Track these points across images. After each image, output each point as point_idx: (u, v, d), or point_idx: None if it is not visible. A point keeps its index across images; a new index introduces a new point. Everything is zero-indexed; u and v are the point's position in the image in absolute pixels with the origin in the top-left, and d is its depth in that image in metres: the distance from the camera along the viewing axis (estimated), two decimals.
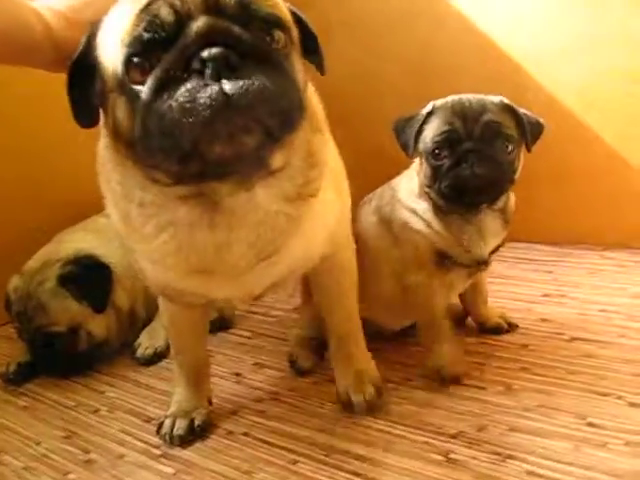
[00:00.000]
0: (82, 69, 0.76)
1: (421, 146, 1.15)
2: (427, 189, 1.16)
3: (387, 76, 2.06)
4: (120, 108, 0.73)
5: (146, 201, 0.82)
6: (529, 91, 1.76)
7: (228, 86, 0.65)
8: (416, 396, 1.16)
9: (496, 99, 1.13)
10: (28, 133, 1.82)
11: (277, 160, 0.79)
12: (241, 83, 0.65)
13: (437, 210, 1.17)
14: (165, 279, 0.95)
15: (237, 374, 1.36)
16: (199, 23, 0.67)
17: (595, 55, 1.68)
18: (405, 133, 1.16)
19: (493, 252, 1.22)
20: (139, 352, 1.49)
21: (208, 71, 0.65)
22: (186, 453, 1.09)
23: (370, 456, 1.01)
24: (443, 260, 1.18)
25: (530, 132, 1.13)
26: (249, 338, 1.55)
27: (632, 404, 1.04)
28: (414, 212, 1.19)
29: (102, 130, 0.85)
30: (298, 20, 0.80)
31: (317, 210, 0.91)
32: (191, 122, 0.65)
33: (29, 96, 1.76)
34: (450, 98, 1.14)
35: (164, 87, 0.66)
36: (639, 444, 0.94)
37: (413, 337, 1.32)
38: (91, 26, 0.77)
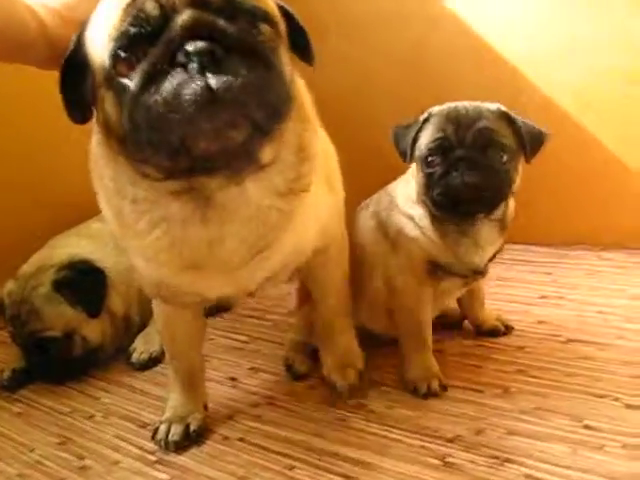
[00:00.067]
0: (74, 66, 0.77)
1: (417, 153, 1.13)
2: (423, 197, 1.15)
3: (381, 77, 2.06)
4: (109, 102, 0.74)
5: (138, 197, 0.82)
6: (524, 93, 1.76)
7: (213, 80, 0.65)
8: (412, 400, 1.15)
9: (493, 107, 1.10)
10: (23, 136, 1.82)
11: (267, 154, 0.79)
12: (225, 78, 0.65)
13: (433, 218, 1.15)
14: (159, 276, 0.96)
15: (233, 379, 1.36)
16: (184, 17, 0.67)
17: (591, 56, 1.68)
18: (403, 140, 1.15)
19: (490, 259, 1.20)
20: (134, 357, 1.48)
21: (193, 65, 0.65)
22: (181, 459, 1.08)
23: (366, 460, 1.00)
24: (436, 269, 1.16)
25: (530, 142, 1.09)
26: (245, 342, 1.54)
27: (629, 406, 1.04)
28: (411, 218, 1.18)
29: (94, 127, 0.85)
30: (286, 14, 0.80)
31: (309, 204, 0.91)
32: (177, 117, 0.66)
33: (25, 99, 1.76)
34: (447, 105, 1.12)
35: (151, 80, 0.67)
36: (636, 446, 0.93)
37: None
38: (82, 24, 0.78)
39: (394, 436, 1.06)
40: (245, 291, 1.04)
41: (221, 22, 0.68)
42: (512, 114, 1.10)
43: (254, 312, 1.71)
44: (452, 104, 1.11)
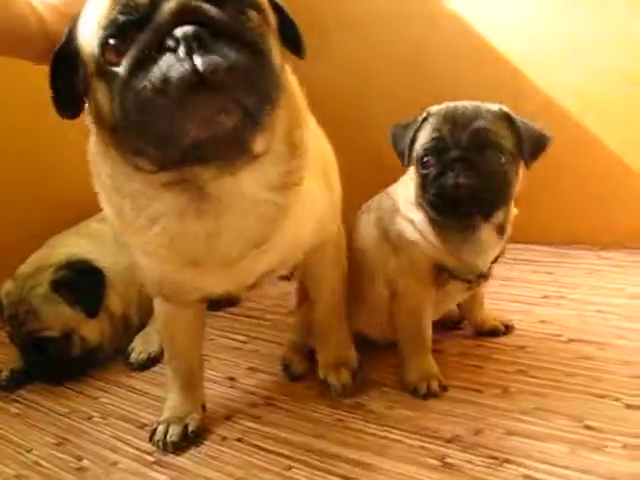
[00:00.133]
0: (65, 59, 0.78)
1: (414, 154, 1.11)
2: (420, 199, 1.12)
3: (381, 78, 2.06)
4: (101, 93, 0.74)
5: (135, 192, 0.83)
6: (525, 93, 1.75)
7: (199, 61, 0.66)
8: (411, 400, 1.15)
9: (494, 107, 1.07)
10: (22, 134, 1.82)
11: (259, 144, 0.79)
12: (212, 59, 0.66)
13: (433, 222, 1.12)
14: (161, 272, 0.98)
15: (231, 378, 1.35)
16: (171, 3, 0.68)
17: (593, 57, 1.67)
18: (401, 141, 1.13)
19: (493, 262, 1.18)
20: (133, 357, 1.48)
21: (181, 48, 0.66)
22: (180, 460, 1.08)
23: (365, 461, 1.00)
24: (440, 273, 1.14)
25: (530, 145, 1.05)
26: (243, 342, 1.54)
27: (629, 406, 1.03)
28: (411, 222, 1.15)
29: (91, 127, 0.85)
30: (276, 7, 0.81)
31: (305, 199, 0.91)
32: (165, 102, 0.66)
33: (27, 97, 1.75)
34: (446, 104, 1.09)
35: (140, 66, 0.68)
36: (637, 447, 0.92)
37: None
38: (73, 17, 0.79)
39: (393, 437, 1.05)
40: (243, 285, 1.04)
41: (208, 7, 0.69)
42: (513, 115, 1.07)
43: (253, 312, 1.71)
44: (451, 104, 1.09)
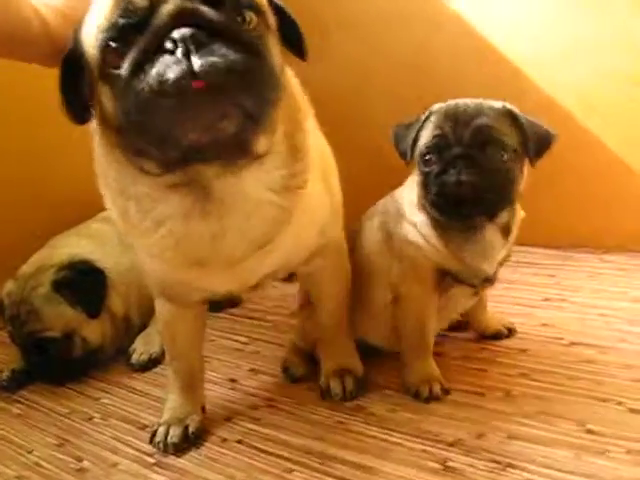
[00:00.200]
0: (73, 65, 0.78)
1: (416, 152, 1.10)
2: (422, 200, 1.11)
3: (382, 79, 2.05)
4: (106, 96, 0.75)
5: (141, 195, 0.84)
6: (527, 94, 1.75)
7: (196, 61, 0.67)
8: (413, 403, 1.14)
9: (498, 104, 1.06)
10: (26, 134, 1.82)
11: (261, 144, 0.80)
12: (208, 58, 0.67)
13: (436, 224, 1.11)
14: (164, 273, 0.99)
15: (232, 380, 1.35)
16: (170, 6, 0.70)
17: (596, 58, 1.67)
18: (404, 141, 1.12)
19: (500, 265, 1.16)
20: (134, 358, 1.47)
21: (179, 50, 0.67)
22: (180, 461, 1.08)
23: (366, 464, 0.99)
24: (444, 277, 1.13)
25: (535, 143, 1.04)
26: (245, 343, 1.53)
27: (632, 410, 1.03)
28: (414, 225, 1.13)
29: (95, 130, 0.86)
30: (277, 8, 0.82)
31: (307, 202, 0.92)
32: (164, 102, 0.67)
33: (27, 97, 1.76)
34: (449, 102, 1.08)
35: (139, 68, 0.69)
36: None
37: None
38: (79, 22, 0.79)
39: (395, 440, 1.05)
40: (246, 285, 1.05)
41: (206, 10, 0.70)
42: (517, 112, 1.05)
43: (254, 313, 1.70)
44: (453, 101, 1.08)
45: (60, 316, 1.40)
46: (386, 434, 1.06)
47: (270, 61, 0.75)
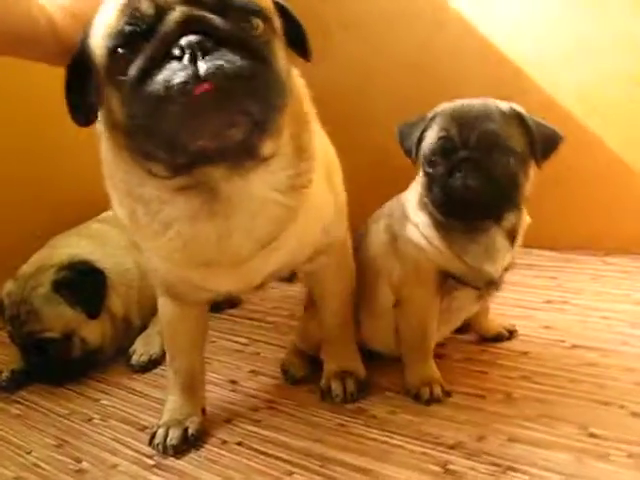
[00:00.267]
0: (80, 68, 0.79)
1: (420, 152, 1.09)
2: (425, 200, 1.10)
3: (385, 78, 2.05)
4: (113, 99, 0.76)
5: (148, 197, 0.84)
6: (529, 94, 1.74)
7: (202, 66, 0.67)
8: (414, 405, 1.14)
9: (505, 106, 1.04)
10: (27, 134, 1.82)
11: (268, 148, 0.81)
12: (214, 63, 0.68)
13: (438, 225, 1.09)
14: (171, 273, 1.01)
15: (233, 381, 1.34)
16: (177, 13, 0.70)
17: (598, 59, 1.67)
18: (409, 139, 1.11)
19: (505, 270, 1.14)
20: (134, 359, 1.47)
21: (186, 56, 0.68)
22: (179, 463, 1.07)
23: (367, 467, 0.99)
24: (445, 280, 1.12)
25: (542, 145, 1.02)
26: (245, 345, 1.53)
27: (634, 414, 1.02)
28: (416, 226, 1.13)
29: (103, 132, 0.86)
30: (282, 10, 0.82)
31: (312, 201, 0.93)
32: (171, 107, 0.68)
33: (29, 97, 1.76)
34: (455, 102, 1.07)
35: (147, 74, 0.69)
36: None
37: None
38: (87, 24, 0.80)
39: (395, 442, 1.04)
40: (251, 284, 1.05)
41: (212, 17, 0.71)
42: (525, 114, 1.04)
43: (254, 314, 1.70)
44: (459, 102, 1.06)
45: (60, 316, 1.40)
46: (387, 436, 1.06)
47: (277, 67, 0.75)
